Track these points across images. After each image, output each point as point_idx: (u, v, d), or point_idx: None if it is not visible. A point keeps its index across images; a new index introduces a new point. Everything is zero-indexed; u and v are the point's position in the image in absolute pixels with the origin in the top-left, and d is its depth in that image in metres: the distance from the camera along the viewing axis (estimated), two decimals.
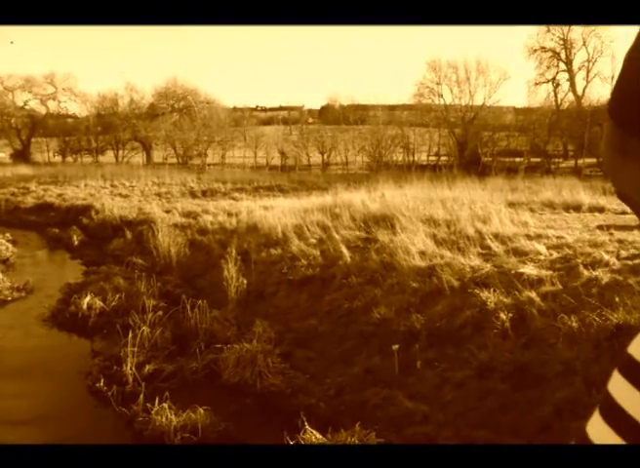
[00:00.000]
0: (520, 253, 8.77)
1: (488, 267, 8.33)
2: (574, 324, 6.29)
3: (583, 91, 35.42)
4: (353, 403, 6.71)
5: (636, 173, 0.51)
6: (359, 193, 16.38)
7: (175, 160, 40.86)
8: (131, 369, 7.56)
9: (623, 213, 11.84)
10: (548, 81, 36.17)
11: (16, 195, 25.47)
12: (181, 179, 27.73)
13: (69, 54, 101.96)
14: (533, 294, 7.15)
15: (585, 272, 7.40)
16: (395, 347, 7.00)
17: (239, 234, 13.49)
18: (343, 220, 12.54)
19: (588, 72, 35.27)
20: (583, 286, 7.10)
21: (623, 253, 7.97)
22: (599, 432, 0.52)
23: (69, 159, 43.10)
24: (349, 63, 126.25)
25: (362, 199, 14.65)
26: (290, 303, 9.86)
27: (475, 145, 34.21)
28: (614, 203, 13.12)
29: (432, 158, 37.69)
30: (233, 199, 21.37)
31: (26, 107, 43.40)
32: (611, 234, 9.39)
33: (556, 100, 35.94)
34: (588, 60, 35.04)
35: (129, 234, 16.08)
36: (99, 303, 10.16)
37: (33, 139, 43.74)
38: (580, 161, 31.99)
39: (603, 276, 7.15)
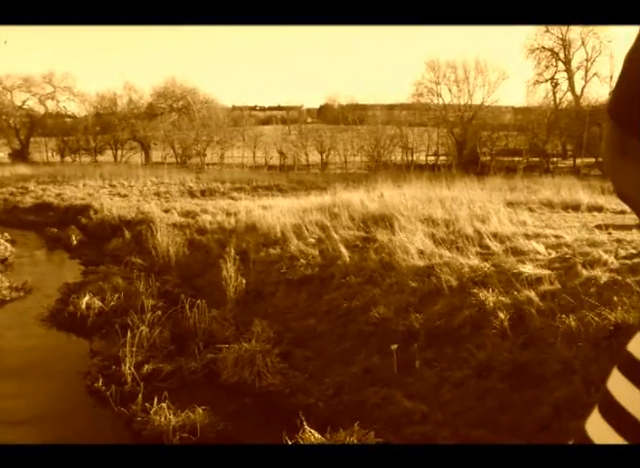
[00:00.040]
0: (519, 253, 8.78)
1: (487, 267, 8.34)
2: (572, 323, 6.29)
3: (582, 90, 35.48)
4: (352, 402, 6.72)
5: (636, 173, 0.51)
6: (358, 193, 16.38)
7: (173, 160, 40.84)
8: (129, 368, 7.55)
9: (622, 212, 11.86)
10: (547, 80, 36.21)
11: (14, 195, 25.45)
12: (180, 179, 27.72)
13: (68, 53, 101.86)
14: (531, 294, 7.16)
15: (584, 271, 7.40)
16: (394, 347, 7.00)
17: (238, 234, 13.48)
18: (342, 220, 12.54)
19: (587, 72, 35.33)
20: (582, 285, 7.11)
21: (622, 253, 7.97)
22: (598, 430, 0.52)
23: (68, 159, 43.03)
24: (348, 63, 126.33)
25: (361, 199, 14.65)
26: (289, 303, 9.86)
27: (474, 145, 34.22)
28: (612, 202, 13.13)
29: (431, 158, 37.68)
30: (232, 199, 21.37)
31: (25, 107, 43.35)
32: (609, 233, 9.40)
33: (555, 100, 35.96)
34: (587, 60, 35.10)
35: (127, 234, 16.07)
36: (97, 303, 10.16)
37: (32, 139, 43.69)
38: (579, 160, 32.02)
39: (601, 275, 7.16)
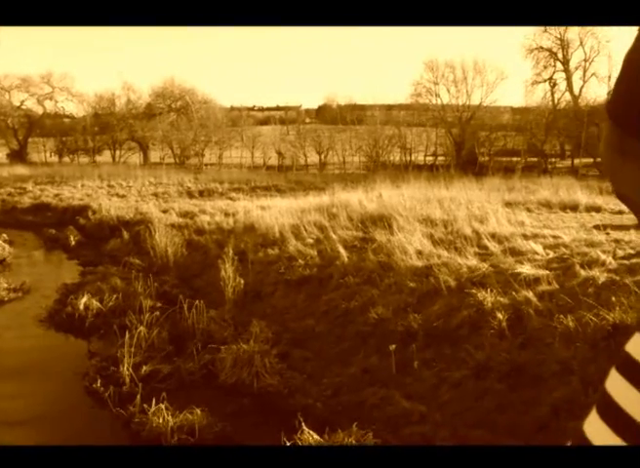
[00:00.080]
0: (517, 253, 8.78)
1: (485, 267, 8.34)
2: (570, 323, 6.30)
3: (580, 90, 35.54)
4: (350, 403, 6.71)
5: (635, 173, 0.51)
6: (356, 193, 16.38)
7: (172, 160, 40.83)
8: (128, 369, 7.54)
9: (620, 212, 11.88)
10: (545, 81, 36.28)
11: (12, 195, 25.42)
12: (179, 179, 27.71)
13: (66, 53, 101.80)
14: (529, 294, 7.16)
15: (582, 272, 7.41)
16: (392, 347, 7.00)
17: (236, 234, 13.48)
18: (341, 220, 12.54)
19: (585, 72, 35.39)
20: (580, 285, 7.11)
21: (620, 253, 7.98)
22: (596, 430, 0.51)
23: (66, 159, 43.03)
24: (347, 63, 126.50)
25: (359, 199, 14.65)
26: (287, 303, 9.85)
27: (472, 145, 34.26)
28: (610, 202, 13.15)
29: (429, 158, 37.74)
30: (230, 199, 21.36)
31: (23, 107, 43.32)
32: (607, 234, 9.41)
33: (553, 100, 36.02)
34: (585, 60, 35.17)
35: (126, 234, 16.06)
36: (95, 304, 10.14)
37: (30, 139, 43.68)
38: (577, 160, 32.07)
39: (599, 275, 7.16)
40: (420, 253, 9.49)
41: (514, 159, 33.53)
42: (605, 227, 9.96)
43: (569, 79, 35.84)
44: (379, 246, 10.26)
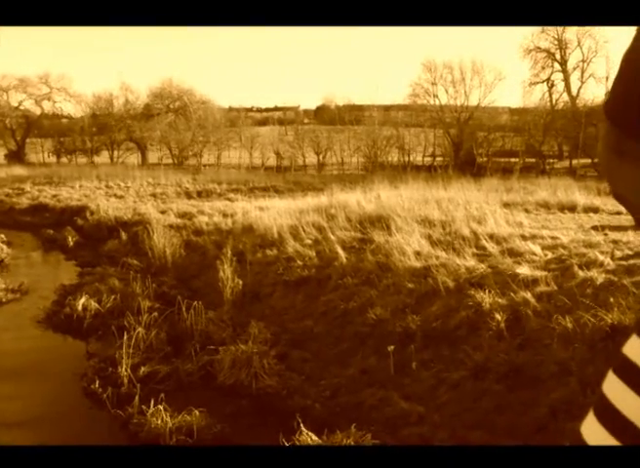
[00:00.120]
0: (515, 254, 8.78)
1: (483, 268, 8.35)
2: (568, 324, 6.30)
3: (578, 91, 35.62)
4: (349, 404, 6.71)
5: (632, 173, 0.51)
6: (355, 194, 16.39)
7: (170, 160, 40.82)
8: (126, 370, 7.53)
9: (618, 213, 11.88)
10: (543, 81, 36.34)
11: (10, 196, 25.39)
12: (177, 180, 27.70)
13: (64, 53, 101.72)
14: (528, 295, 7.16)
15: (580, 273, 7.41)
16: (391, 348, 7.00)
17: (234, 235, 13.47)
18: (339, 221, 12.54)
19: (583, 72, 35.46)
20: (578, 286, 7.12)
21: (618, 254, 7.98)
22: (594, 433, 0.51)
23: (64, 160, 43.00)
24: (345, 64, 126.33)
25: (357, 200, 14.65)
26: (286, 304, 9.85)
27: (470, 146, 34.29)
28: (608, 203, 13.16)
29: (428, 159, 37.75)
30: (229, 200, 21.37)
31: (21, 108, 43.32)
32: (605, 234, 9.41)
33: (551, 101, 36.08)
34: (583, 61, 35.24)
35: (124, 235, 16.05)
36: (94, 305, 10.13)
37: (28, 140, 43.68)
38: (575, 161, 32.11)
39: (598, 276, 7.17)
40: (418, 253, 9.50)
41: (512, 160, 33.58)
42: (603, 228, 9.96)
43: (567, 80, 35.91)
44: (377, 247, 10.27)
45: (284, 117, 51.99)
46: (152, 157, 42.62)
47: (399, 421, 6.14)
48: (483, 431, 5.66)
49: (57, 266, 15.34)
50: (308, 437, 5.69)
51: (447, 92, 36.39)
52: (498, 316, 6.89)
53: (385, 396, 6.59)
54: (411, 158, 37.09)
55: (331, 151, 38.42)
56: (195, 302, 9.29)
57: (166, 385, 7.47)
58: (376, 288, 8.91)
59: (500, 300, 7.28)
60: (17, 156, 41.50)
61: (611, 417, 0.50)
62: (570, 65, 35.78)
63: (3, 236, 17.33)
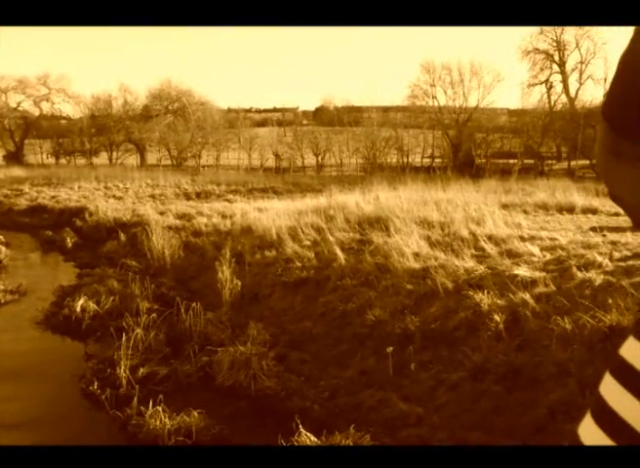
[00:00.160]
0: (514, 255, 8.79)
1: (482, 269, 8.35)
2: (567, 325, 6.30)
3: (576, 92, 35.69)
4: (348, 405, 6.71)
5: (629, 175, 0.51)
6: (353, 195, 16.40)
7: (169, 162, 40.80)
8: (125, 371, 7.52)
9: (616, 214, 11.89)
10: (542, 83, 36.41)
11: (9, 197, 25.38)
12: (175, 181, 27.69)
13: (63, 54, 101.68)
14: (526, 296, 7.17)
15: (579, 274, 7.42)
16: (389, 349, 7.00)
17: (233, 236, 13.47)
18: (338, 222, 12.54)
19: (581, 74, 35.52)
20: (577, 287, 7.12)
21: (616, 255, 7.99)
22: (591, 435, 0.51)
23: (63, 161, 42.95)
24: (344, 65, 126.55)
25: (356, 201, 14.65)
26: (284, 305, 9.85)
27: (469, 147, 34.31)
28: (607, 205, 13.16)
29: (426, 160, 37.78)
30: (227, 201, 21.36)
31: (19, 109, 43.31)
32: (604, 236, 9.42)
33: (549, 102, 36.13)
34: (581, 62, 35.30)
35: (123, 236, 16.04)
36: (92, 306, 10.12)
37: (26, 141, 43.62)
38: (574, 163, 32.14)
39: (596, 278, 7.17)
40: (417, 255, 9.50)
41: (511, 161, 33.60)
42: (601, 229, 9.97)
43: (565, 81, 35.96)
44: (376, 248, 10.27)
45: (283, 118, 52.03)
46: (151, 158, 42.61)
47: (398, 422, 6.14)
48: (482, 432, 5.66)
49: (55, 267, 15.32)
50: (307, 438, 5.69)
51: (445, 93, 36.47)
52: (496, 317, 6.89)
53: (384, 397, 6.59)
54: (409, 159, 37.11)
55: (329, 152, 38.43)
56: (194, 304, 9.29)
57: (165, 386, 7.47)
58: (374, 289, 8.91)
59: (498, 301, 7.28)
60: (15, 157, 41.47)
61: (608, 419, 0.50)
62: (568, 67, 35.89)
63: (2, 237, 17.33)
